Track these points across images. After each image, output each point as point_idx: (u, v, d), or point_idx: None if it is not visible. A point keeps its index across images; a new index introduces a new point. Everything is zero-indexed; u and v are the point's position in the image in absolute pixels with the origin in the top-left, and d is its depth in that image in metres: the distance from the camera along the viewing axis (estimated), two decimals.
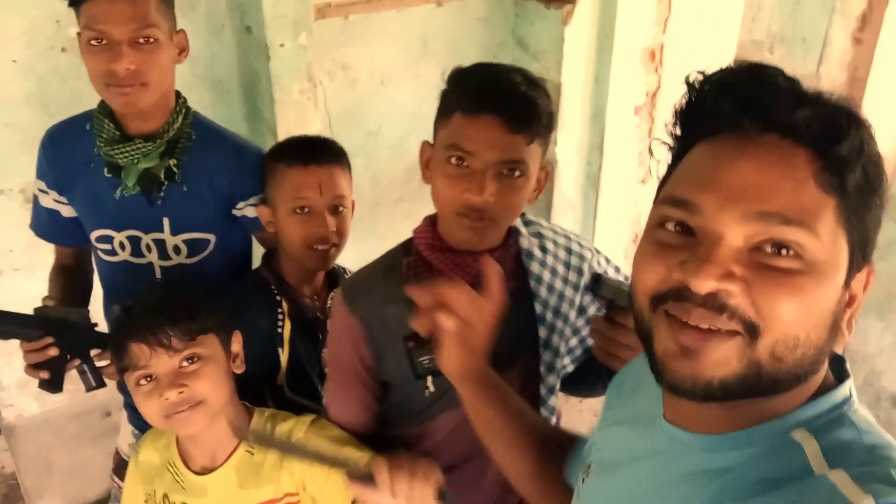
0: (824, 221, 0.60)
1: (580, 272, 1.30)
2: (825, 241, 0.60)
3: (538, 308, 1.25)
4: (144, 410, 1.22)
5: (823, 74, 5.65)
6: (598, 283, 1.12)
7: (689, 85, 0.66)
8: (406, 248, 1.25)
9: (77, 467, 2.59)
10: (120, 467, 1.75)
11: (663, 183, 0.71)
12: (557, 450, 1.03)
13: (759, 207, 0.60)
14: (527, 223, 1.31)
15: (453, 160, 1.10)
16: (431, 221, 1.22)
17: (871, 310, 2.22)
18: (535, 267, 1.26)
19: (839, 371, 0.69)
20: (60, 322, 1.42)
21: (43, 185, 1.58)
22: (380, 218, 2.93)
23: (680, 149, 0.70)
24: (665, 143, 0.71)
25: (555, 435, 1.08)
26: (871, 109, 5.44)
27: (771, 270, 0.60)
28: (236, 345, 1.31)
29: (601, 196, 3.08)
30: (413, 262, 1.21)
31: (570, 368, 1.35)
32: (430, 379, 1.20)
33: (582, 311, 1.31)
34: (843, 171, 0.60)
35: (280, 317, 1.50)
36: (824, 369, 0.67)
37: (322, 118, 2.46)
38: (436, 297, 0.99)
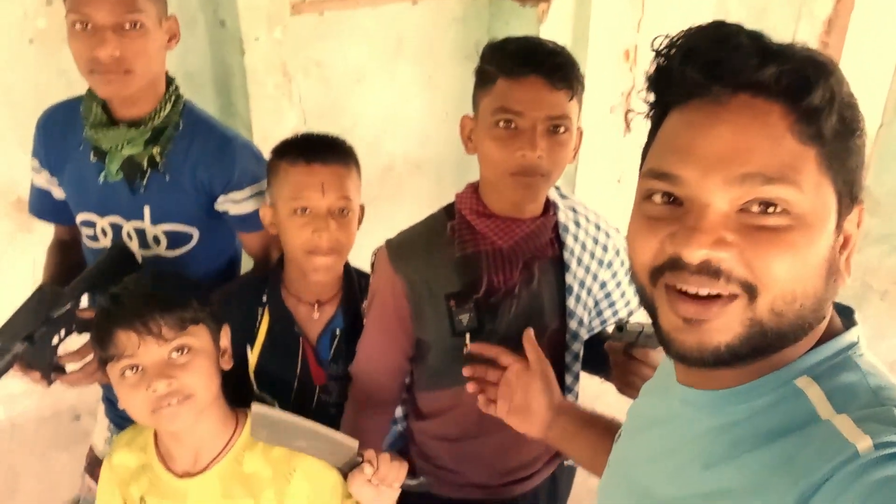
0: (806, 173, 0.61)
1: (605, 249, 1.37)
2: (809, 192, 0.61)
3: (568, 279, 1.30)
4: (129, 404, 1.15)
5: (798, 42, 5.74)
6: (622, 330, 1.21)
7: (657, 52, 0.66)
8: (449, 212, 1.30)
9: (47, 473, 2.52)
10: (93, 465, 1.69)
11: (645, 152, 0.72)
12: None
13: (739, 170, 0.60)
14: (562, 196, 1.36)
15: (501, 123, 1.16)
16: (474, 188, 1.28)
17: (847, 302, 2.25)
18: (569, 240, 1.31)
19: (848, 319, 0.70)
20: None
21: (36, 164, 1.55)
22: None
23: (656, 116, 0.70)
24: (640, 112, 0.72)
25: None
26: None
27: (761, 230, 0.60)
28: (225, 339, 1.25)
29: (577, 195, 3.08)
30: (457, 225, 1.26)
31: (586, 338, 1.40)
32: (468, 336, 1.24)
33: (603, 285, 1.38)
34: (818, 120, 0.61)
35: (260, 313, 1.45)
36: (828, 316, 0.68)
37: (297, 114, 2.44)
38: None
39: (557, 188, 1.34)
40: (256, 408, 1.10)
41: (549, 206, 1.31)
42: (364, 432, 1.39)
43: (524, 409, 1.14)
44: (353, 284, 1.47)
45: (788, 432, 0.62)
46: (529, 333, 1.19)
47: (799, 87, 0.60)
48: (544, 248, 1.28)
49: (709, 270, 0.61)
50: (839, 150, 0.62)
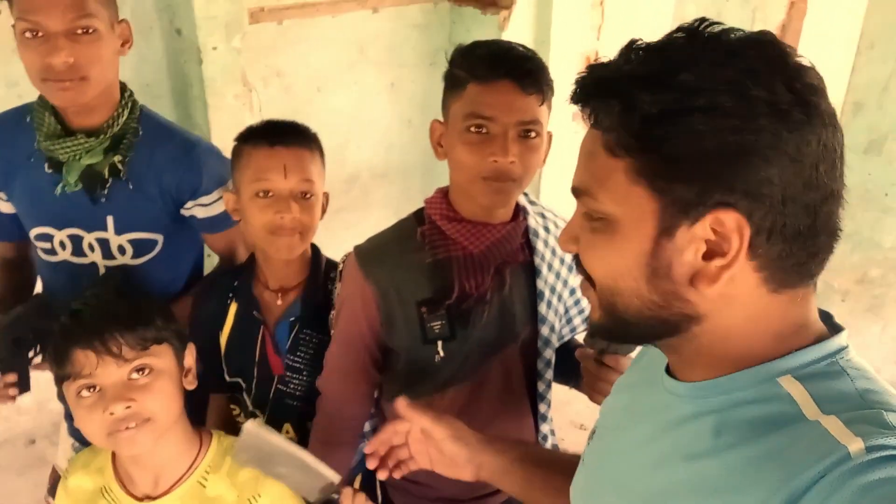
0: (610, 184, 0.65)
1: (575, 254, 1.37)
2: (615, 200, 0.65)
3: (539, 284, 1.30)
4: (85, 425, 1.10)
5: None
6: (593, 337, 1.19)
7: None
8: (418, 217, 1.29)
9: (2, 498, 2.43)
10: (56, 487, 1.63)
11: None
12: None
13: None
14: (531, 202, 1.36)
15: (473, 128, 1.15)
16: (444, 193, 1.27)
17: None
18: (540, 245, 1.30)
19: (832, 326, 0.70)
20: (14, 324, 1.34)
21: None
22: (320, 229, 2.87)
23: None
24: None
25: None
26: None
27: (588, 232, 0.70)
28: (189, 358, 1.21)
29: (542, 201, 3.10)
30: (427, 231, 1.25)
31: (557, 345, 1.39)
32: (440, 344, 1.23)
33: (572, 291, 1.37)
34: (638, 134, 0.63)
35: (230, 298, 1.47)
36: (808, 323, 0.67)
37: None
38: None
39: (526, 194, 1.34)
40: (250, 425, 1.05)
41: (519, 211, 1.30)
42: (335, 446, 1.36)
43: (445, 461, 1.06)
44: (319, 272, 1.45)
45: (773, 429, 0.62)
46: (402, 404, 1.05)
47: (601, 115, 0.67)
48: (515, 253, 1.27)
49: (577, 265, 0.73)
50: (661, 163, 0.62)
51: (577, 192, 0.69)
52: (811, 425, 0.59)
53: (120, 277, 1.44)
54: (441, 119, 1.25)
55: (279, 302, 1.44)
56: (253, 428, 1.04)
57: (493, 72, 1.14)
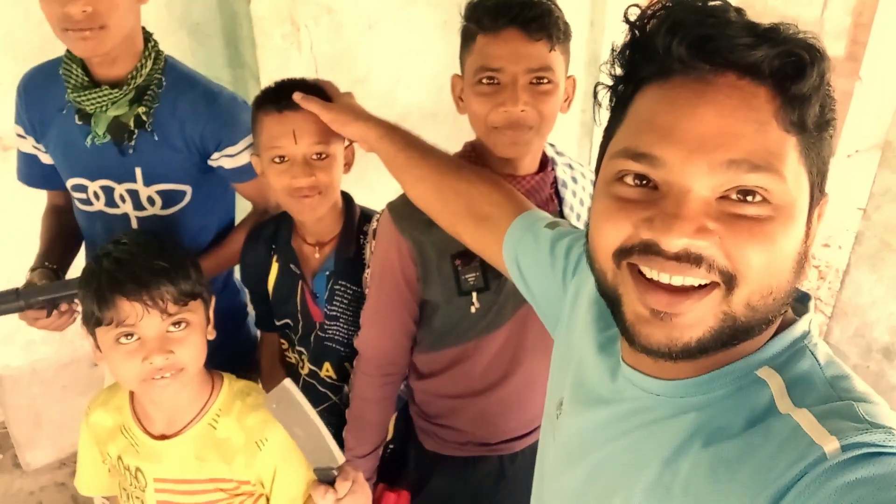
0: (788, 162, 0.58)
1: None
2: (790, 182, 0.58)
3: None
4: (120, 370, 1.15)
5: (828, 19, 5.53)
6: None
7: (631, 23, 0.62)
8: None
9: (66, 418, 2.59)
10: None
11: (611, 131, 0.67)
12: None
13: (726, 156, 0.57)
14: (559, 153, 1.35)
15: (484, 80, 1.16)
16: (472, 147, 1.28)
17: (865, 261, 2.19)
18: (568, 196, 1.32)
19: (801, 306, 0.68)
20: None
21: (21, 131, 1.53)
22: (370, 169, 2.87)
23: (626, 92, 0.66)
24: (608, 85, 0.68)
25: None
26: (875, 55, 5.32)
27: (741, 219, 0.58)
28: (211, 311, 1.26)
29: (595, 146, 3.03)
30: None
31: None
32: (474, 296, 1.26)
33: None
34: (803, 109, 0.58)
35: (273, 250, 1.52)
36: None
37: (307, 64, 2.38)
38: None
39: (553, 145, 1.34)
40: (287, 383, 1.09)
41: (547, 162, 1.30)
42: (377, 402, 1.40)
43: (340, 119, 1.28)
44: (352, 225, 1.47)
45: (747, 426, 0.60)
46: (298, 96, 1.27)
47: (791, 72, 0.57)
48: (545, 203, 1.27)
49: (689, 258, 0.58)
50: (816, 140, 0.60)
51: (746, 165, 0.57)
52: (783, 420, 0.58)
53: (155, 229, 1.47)
54: (460, 74, 1.24)
55: (317, 255, 1.48)
56: (290, 385, 1.08)
57: (497, 21, 1.14)
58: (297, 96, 1.28)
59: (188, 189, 1.50)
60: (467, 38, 1.21)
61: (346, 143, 1.41)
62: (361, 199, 1.54)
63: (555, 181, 1.31)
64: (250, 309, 1.71)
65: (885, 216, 1.99)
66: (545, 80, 1.16)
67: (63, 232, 1.61)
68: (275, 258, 1.52)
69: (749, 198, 0.58)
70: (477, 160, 1.25)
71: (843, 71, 5.22)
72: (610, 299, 0.66)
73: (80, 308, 1.39)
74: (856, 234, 2.28)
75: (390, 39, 2.72)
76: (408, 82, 2.91)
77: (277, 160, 1.34)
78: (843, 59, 5.33)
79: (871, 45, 5.14)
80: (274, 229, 1.53)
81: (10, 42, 2.05)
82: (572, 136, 3.05)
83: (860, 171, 5.06)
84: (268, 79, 2.13)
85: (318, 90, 1.35)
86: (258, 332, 1.71)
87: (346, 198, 1.50)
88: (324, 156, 1.35)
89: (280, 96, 1.33)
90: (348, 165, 1.44)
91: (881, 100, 5.34)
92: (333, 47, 2.56)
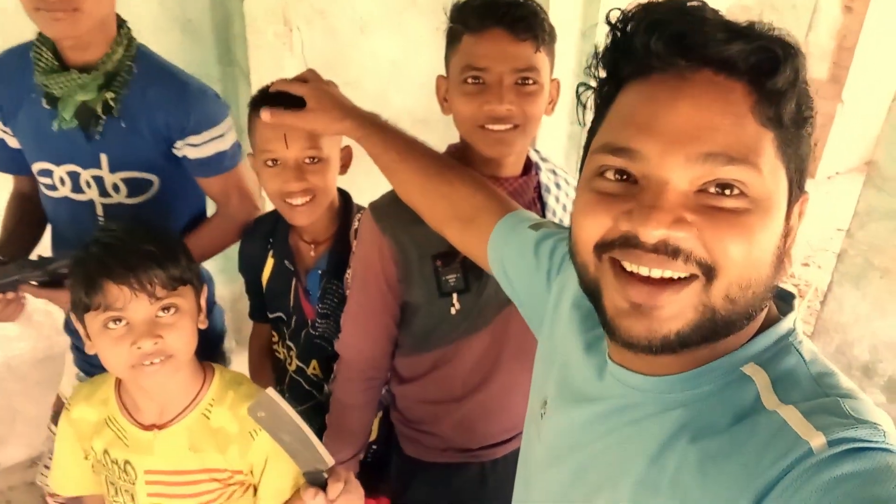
0: (765, 156, 0.59)
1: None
2: (767, 176, 0.59)
3: None
4: (108, 356, 1.13)
5: (812, 41, 5.61)
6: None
7: (612, 25, 0.64)
8: None
9: (41, 415, 2.54)
10: (59, 415, 1.69)
11: (594, 130, 0.69)
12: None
13: (703, 149, 0.58)
14: (544, 159, 1.35)
15: (469, 80, 1.16)
16: (455, 149, 1.28)
17: (847, 279, 2.22)
18: (551, 201, 1.31)
19: (784, 304, 0.69)
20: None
21: None
22: (359, 176, 2.87)
23: (608, 92, 0.67)
24: (590, 87, 0.69)
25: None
26: (858, 77, 5.40)
27: (719, 212, 0.59)
28: (203, 299, 1.24)
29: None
30: None
31: None
32: (455, 297, 1.25)
33: None
34: (779, 104, 0.59)
35: (269, 244, 1.53)
36: (770, 303, 0.67)
37: (298, 66, 2.38)
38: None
39: (537, 151, 1.34)
40: (271, 392, 1.08)
41: (531, 166, 1.30)
42: (359, 407, 1.39)
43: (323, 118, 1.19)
44: (348, 224, 1.47)
45: (734, 422, 0.61)
46: (265, 114, 1.21)
47: (766, 67, 0.58)
48: (527, 207, 1.26)
49: (666, 250, 0.59)
50: (794, 136, 0.61)
51: (723, 158, 0.58)
52: (769, 416, 0.59)
53: (144, 215, 1.45)
54: (445, 75, 1.24)
55: (312, 253, 1.48)
56: (273, 393, 1.08)
57: (483, 21, 1.14)
58: (265, 115, 1.21)
59: (155, 179, 1.47)
60: (453, 39, 1.20)
61: (343, 144, 1.40)
62: (361, 200, 1.53)
63: (538, 186, 1.31)
64: (217, 299, 1.70)
65: (869, 235, 2.01)
66: (530, 81, 1.16)
67: (23, 221, 1.57)
68: (271, 253, 1.52)
69: (727, 191, 0.59)
70: (461, 162, 1.24)
71: (825, 93, 5.30)
72: (591, 293, 0.67)
73: (25, 297, 1.39)
74: (838, 252, 2.31)
75: (382, 44, 2.73)
76: (399, 87, 2.92)
77: (270, 163, 1.34)
78: (825, 82, 5.42)
79: (853, 69, 5.23)
80: (272, 224, 1.52)
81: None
82: (559, 148, 3.06)
83: (840, 193, 5.14)
84: (258, 77, 2.13)
85: (298, 100, 1.31)
86: (224, 324, 1.70)
87: (345, 196, 1.50)
88: (316, 160, 1.35)
89: (269, 100, 1.30)
90: (345, 167, 1.43)
91: (863, 123, 5.43)
92: (325, 50, 2.56)
